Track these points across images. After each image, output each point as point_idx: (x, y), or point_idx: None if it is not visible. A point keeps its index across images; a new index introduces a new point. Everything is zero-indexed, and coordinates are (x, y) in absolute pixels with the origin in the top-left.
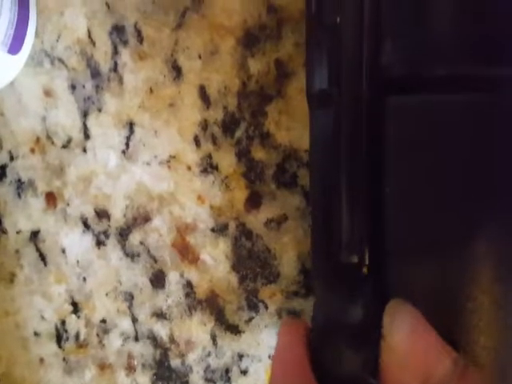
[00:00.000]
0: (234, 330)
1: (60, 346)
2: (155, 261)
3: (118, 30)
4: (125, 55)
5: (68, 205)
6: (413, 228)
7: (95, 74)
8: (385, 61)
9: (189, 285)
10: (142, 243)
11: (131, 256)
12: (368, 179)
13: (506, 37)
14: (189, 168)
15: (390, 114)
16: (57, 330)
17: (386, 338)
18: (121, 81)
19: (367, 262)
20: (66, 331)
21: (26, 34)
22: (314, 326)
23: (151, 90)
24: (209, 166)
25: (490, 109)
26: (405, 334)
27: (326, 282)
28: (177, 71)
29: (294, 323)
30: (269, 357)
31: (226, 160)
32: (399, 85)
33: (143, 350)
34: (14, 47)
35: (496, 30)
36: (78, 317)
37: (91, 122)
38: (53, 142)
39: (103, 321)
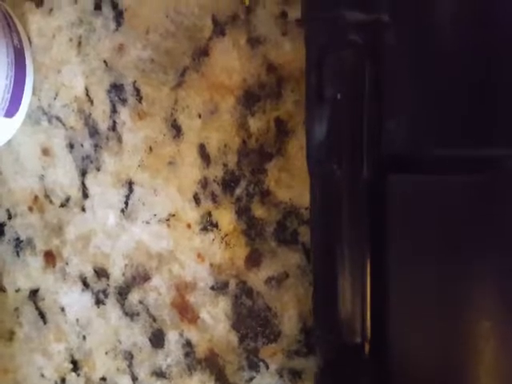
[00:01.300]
0: None
1: None
2: (154, 320)
3: (116, 89)
4: (123, 114)
5: (67, 264)
6: (415, 307)
7: (93, 132)
8: (385, 139)
9: (188, 344)
10: (141, 302)
11: (130, 315)
12: (370, 257)
13: (505, 118)
14: (188, 226)
15: (391, 191)
16: None
17: None
18: (120, 140)
19: (369, 339)
20: None
21: (22, 97)
22: None
23: (150, 149)
24: (209, 224)
25: (489, 188)
26: None
27: (327, 360)
28: (176, 130)
29: None
30: None
31: (226, 218)
32: (400, 163)
33: None
34: (11, 111)
35: (495, 111)
36: (78, 375)
37: (90, 181)
38: (51, 201)
39: (103, 379)
